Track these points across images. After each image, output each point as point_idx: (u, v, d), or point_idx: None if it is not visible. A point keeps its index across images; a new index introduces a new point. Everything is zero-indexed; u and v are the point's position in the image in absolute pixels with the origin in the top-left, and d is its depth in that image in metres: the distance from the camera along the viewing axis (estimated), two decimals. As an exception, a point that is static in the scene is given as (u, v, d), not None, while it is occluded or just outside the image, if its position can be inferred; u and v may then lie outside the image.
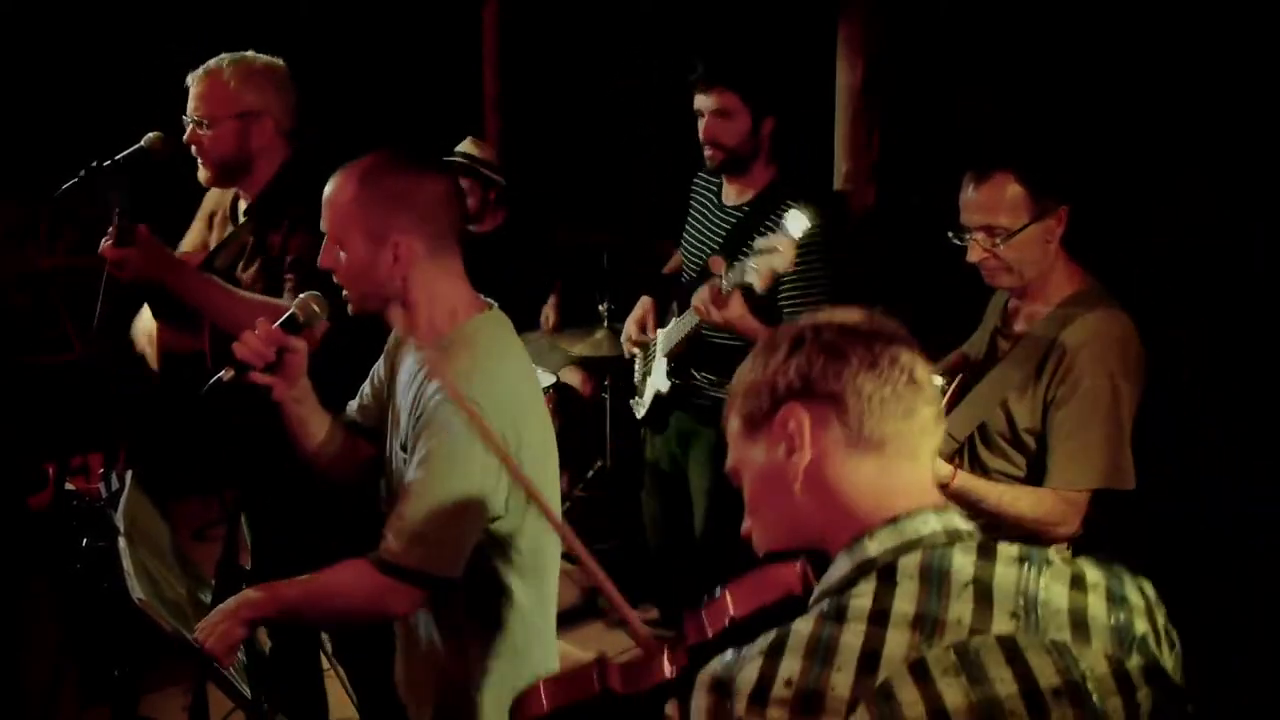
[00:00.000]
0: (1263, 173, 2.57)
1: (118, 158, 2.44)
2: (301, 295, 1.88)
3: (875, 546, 1.08)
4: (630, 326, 3.28)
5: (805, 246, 2.58)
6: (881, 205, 3.37)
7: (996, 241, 2.12)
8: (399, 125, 4.77)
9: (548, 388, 3.93)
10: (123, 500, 2.05)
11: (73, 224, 4.50)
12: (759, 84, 2.86)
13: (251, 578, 1.82)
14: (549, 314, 4.32)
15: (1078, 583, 1.08)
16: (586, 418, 4.35)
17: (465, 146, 4.27)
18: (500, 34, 5.31)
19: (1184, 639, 1.15)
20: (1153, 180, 2.77)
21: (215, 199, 2.78)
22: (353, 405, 2.08)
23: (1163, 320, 2.30)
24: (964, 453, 2.21)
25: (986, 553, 1.07)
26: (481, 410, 1.70)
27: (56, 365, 4.04)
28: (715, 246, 3.01)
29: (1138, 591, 1.12)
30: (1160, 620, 1.12)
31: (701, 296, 2.68)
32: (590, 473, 4.47)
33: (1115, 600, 1.08)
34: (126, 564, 1.85)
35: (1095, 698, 1.01)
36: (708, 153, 2.91)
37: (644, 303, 3.30)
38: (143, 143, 2.47)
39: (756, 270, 2.51)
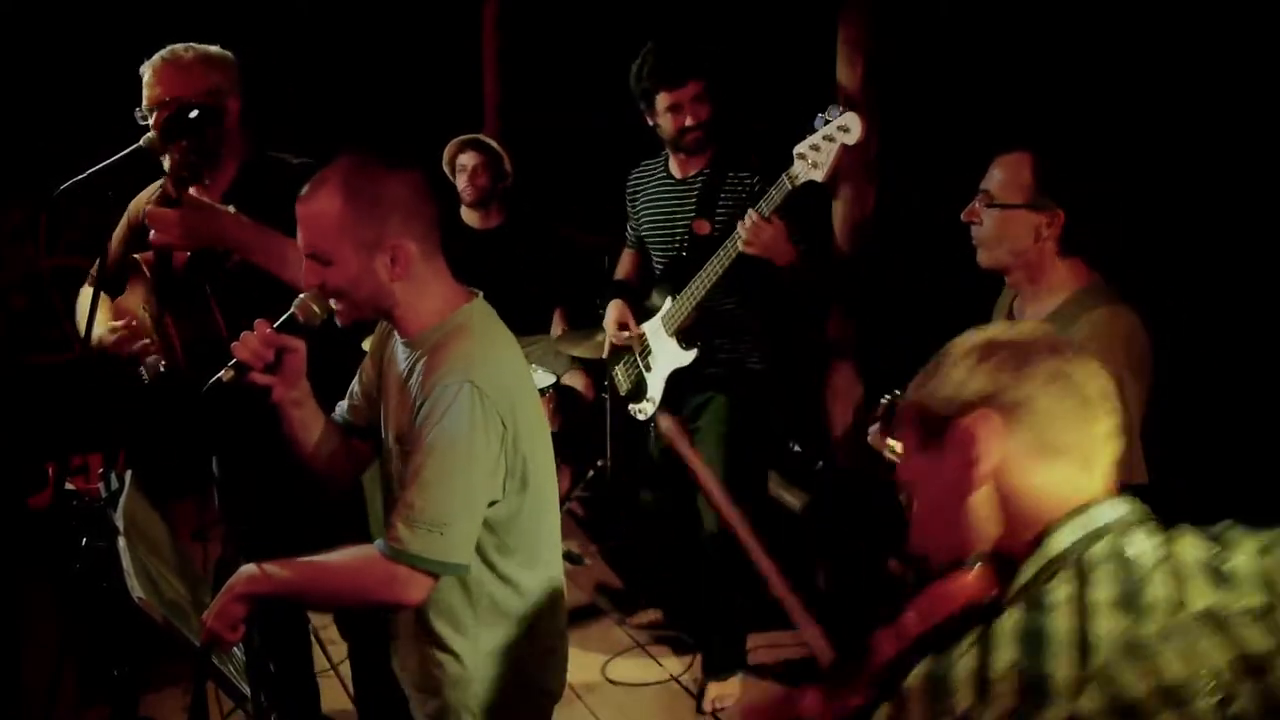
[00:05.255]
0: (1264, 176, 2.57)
1: (117, 158, 2.44)
2: (301, 296, 1.86)
3: (1062, 540, 1.13)
4: (611, 329, 3.36)
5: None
6: (881, 205, 3.37)
7: (982, 206, 2.16)
8: (399, 127, 4.77)
9: (548, 387, 3.93)
10: (122, 500, 2.05)
11: (72, 224, 4.50)
12: (716, 67, 3.08)
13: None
14: (557, 330, 4.32)
15: (1262, 549, 1.12)
16: (587, 418, 4.35)
17: (478, 136, 4.32)
18: (500, 35, 5.31)
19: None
20: (1153, 182, 2.76)
21: (134, 209, 2.71)
22: (342, 406, 2.08)
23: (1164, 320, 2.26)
24: None
25: (1169, 535, 1.12)
26: (482, 394, 1.71)
27: (56, 365, 4.04)
28: (686, 215, 3.16)
29: None
30: None
31: (746, 225, 2.81)
32: (590, 473, 4.47)
33: None
34: (126, 563, 1.85)
35: None
36: (694, 136, 3.09)
37: (617, 304, 3.37)
38: (142, 142, 2.46)
39: (816, 163, 2.71)
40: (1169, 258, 2.71)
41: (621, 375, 3.41)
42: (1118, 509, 1.14)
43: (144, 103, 2.47)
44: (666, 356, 3.22)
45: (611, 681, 3.44)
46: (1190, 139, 2.71)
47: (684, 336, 3.17)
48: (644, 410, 3.35)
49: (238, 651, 1.93)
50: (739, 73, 3.18)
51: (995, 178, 2.16)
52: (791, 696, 1.30)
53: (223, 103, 2.49)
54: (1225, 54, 2.64)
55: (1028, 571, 1.13)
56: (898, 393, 2.20)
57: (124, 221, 2.73)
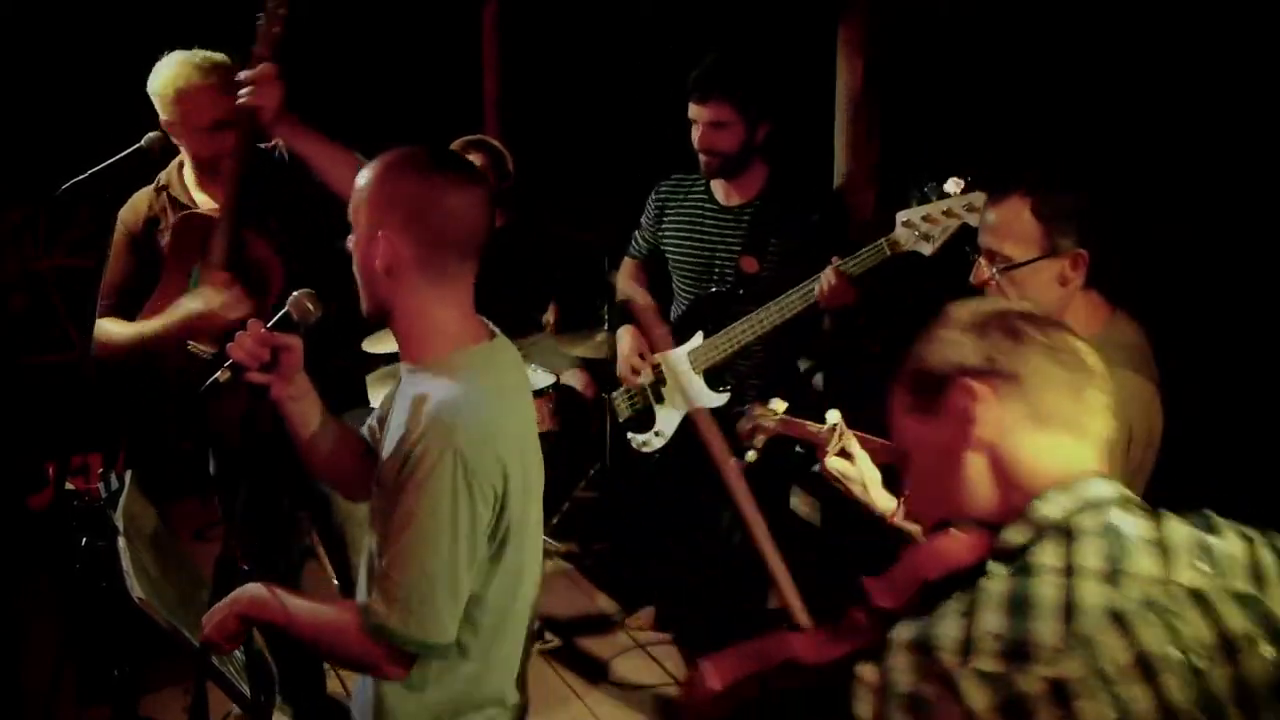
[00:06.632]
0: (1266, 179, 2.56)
1: (117, 158, 2.45)
2: (295, 294, 1.86)
3: (1052, 509, 1.15)
4: (633, 360, 3.16)
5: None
6: (881, 208, 3.37)
7: (996, 270, 1.93)
8: (399, 126, 4.78)
9: (548, 387, 3.93)
10: (122, 500, 2.06)
11: (73, 224, 4.50)
12: (753, 94, 2.89)
13: (250, 577, 1.82)
14: (549, 318, 4.33)
15: (1245, 537, 1.14)
16: (587, 418, 4.35)
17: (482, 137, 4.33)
18: (500, 35, 5.32)
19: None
20: (1157, 185, 2.76)
21: (131, 218, 2.69)
22: (370, 420, 2.03)
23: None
24: None
25: (1157, 516, 1.14)
26: (466, 464, 1.61)
27: (56, 365, 4.04)
28: (729, 247, 3.01)
29: None
30: None
31: (831, 283, 2.66)
32: (590, 473, 4.47)
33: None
34: (126, 563, 1.86)
35: None
36: (703, 159, 2.96)
37: (632, 333, 3.19)
38: (142, 143, 2.47)
39: (929, 236, 2.52)
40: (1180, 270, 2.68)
41: (623, 402, 3.26)
42: (1107, 487, 1.16)
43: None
44: (689, 394, 3.03)
45: (611, 682, 3.44)
46: (1195, 141, 2.71)
47: (713, 376, 3.01)
48: (650, 444, 3.18)
49: (237, 652, 1.93)
50: (787, 106, 3.03)
51: (996, 232, 1.93)
52: (778, 641, 1.30)
53: None
54: (1227, 54, 2.64)
55: (1014, 536, 1.16)
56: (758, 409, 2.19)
57: (122, 231, 2.68)
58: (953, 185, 2.50)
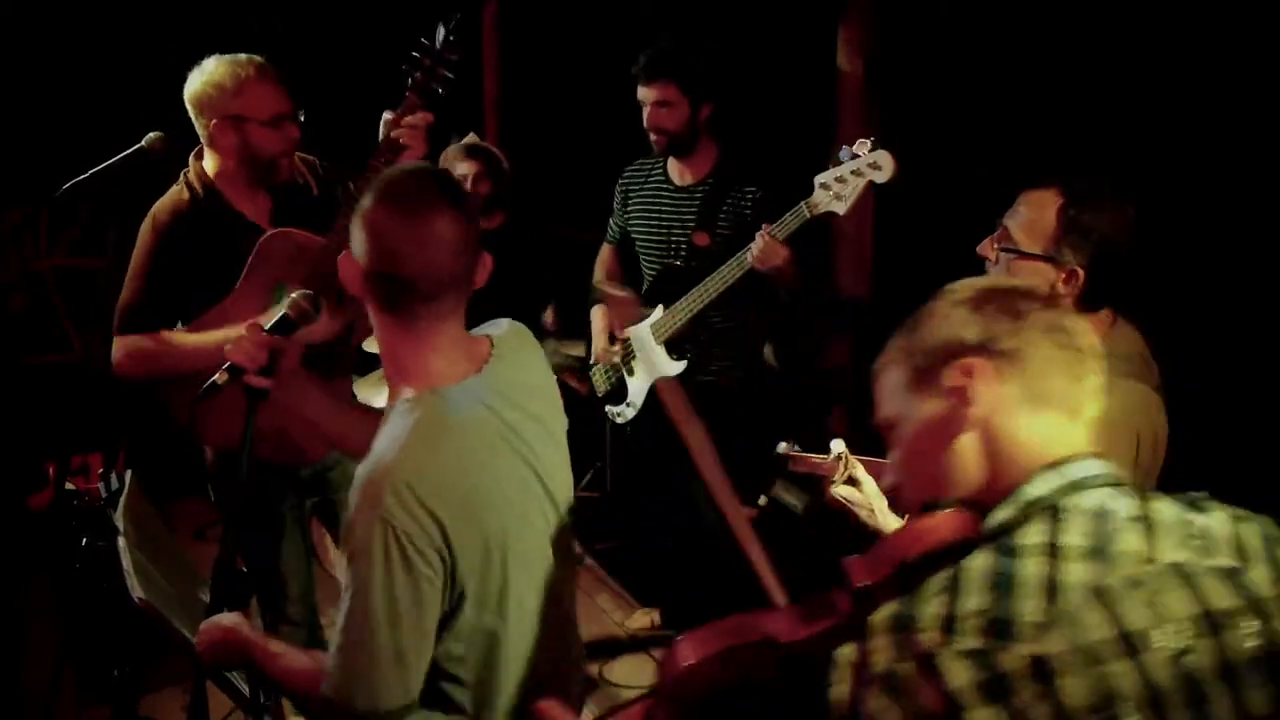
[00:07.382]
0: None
1: (117, 158, 2.44)
2: (293, 295, 1.86)
3: (1039, 488, 1.15)
4: (601, 340, 3.34)
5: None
6: (880, 207, 3.37)
7: (999, 248, 1.92)
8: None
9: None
10: (122, 500, 2.06)
11: (73, 224, 4.51)
12: (695, 74, 3.09)
13: (248, 580, 1.82)
14: (549, 318, 4.34)
15: (1235, 518, 1.15)
16: (586, 418, 4.35)
17: (471, 139, 4.31)
18: (500, 35, 5.32)
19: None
20: (1155, 184, 2.76)
21: (177, 226, 2.48)
22: None
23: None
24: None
25: (1146, 497, 1.15)
26: (397, 535, 1.51)
27: (56, 365, 4.05)
28: (684, 224, 3.18)
29: None
30: None
31: (760, 245, 2.84)
32: (589, 473, 4.47)
33: (1270, 540, 1.15)
34: (126, 563, 1.86)
35: (1274, 618, 1.08)
36: (653, 138, 3.16)
37: (603, 312, 3.38)
38: (143, 143, 2.46)
39: (840, 195, 2.73)
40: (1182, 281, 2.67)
41: (600, 376, 3.41)
42: (1096, 467, 1.16)
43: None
44: (653, 364, 3.22)
45: (610, 683, 3.44)
46: (1194, 137, 2.71)
47: (673, 346, 3.18)
48: (623, 414, 3.35)
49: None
50: (730, 88, 3.20)
51: (1018, 215, 1.91)
52: (754, 619, 1.28)
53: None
54: (1233, 53, 2.64)
55: (1001, 515, 1.15)
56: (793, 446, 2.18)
57: (159, 238, 2.48)
58: (860, 147, 2.69)
